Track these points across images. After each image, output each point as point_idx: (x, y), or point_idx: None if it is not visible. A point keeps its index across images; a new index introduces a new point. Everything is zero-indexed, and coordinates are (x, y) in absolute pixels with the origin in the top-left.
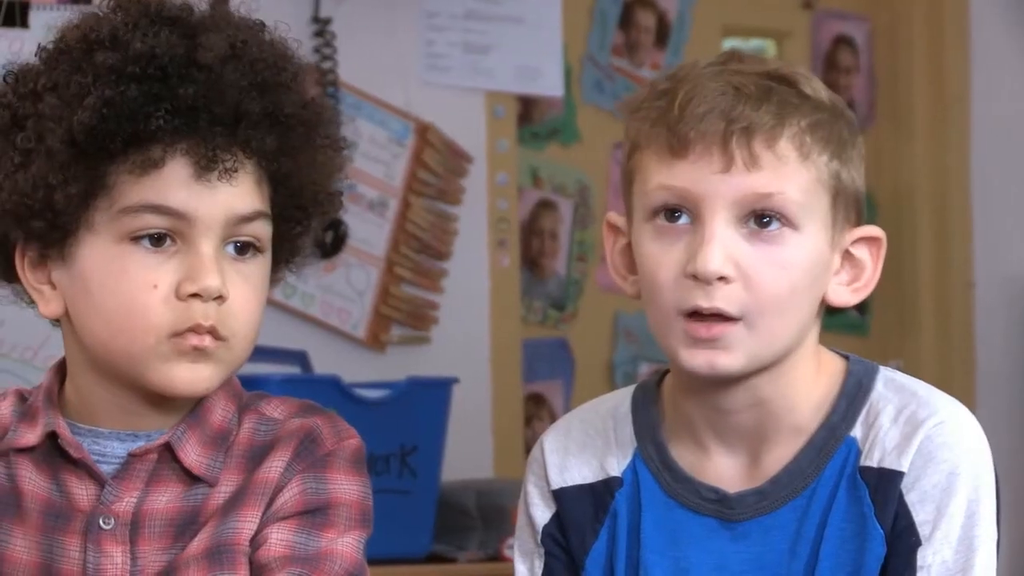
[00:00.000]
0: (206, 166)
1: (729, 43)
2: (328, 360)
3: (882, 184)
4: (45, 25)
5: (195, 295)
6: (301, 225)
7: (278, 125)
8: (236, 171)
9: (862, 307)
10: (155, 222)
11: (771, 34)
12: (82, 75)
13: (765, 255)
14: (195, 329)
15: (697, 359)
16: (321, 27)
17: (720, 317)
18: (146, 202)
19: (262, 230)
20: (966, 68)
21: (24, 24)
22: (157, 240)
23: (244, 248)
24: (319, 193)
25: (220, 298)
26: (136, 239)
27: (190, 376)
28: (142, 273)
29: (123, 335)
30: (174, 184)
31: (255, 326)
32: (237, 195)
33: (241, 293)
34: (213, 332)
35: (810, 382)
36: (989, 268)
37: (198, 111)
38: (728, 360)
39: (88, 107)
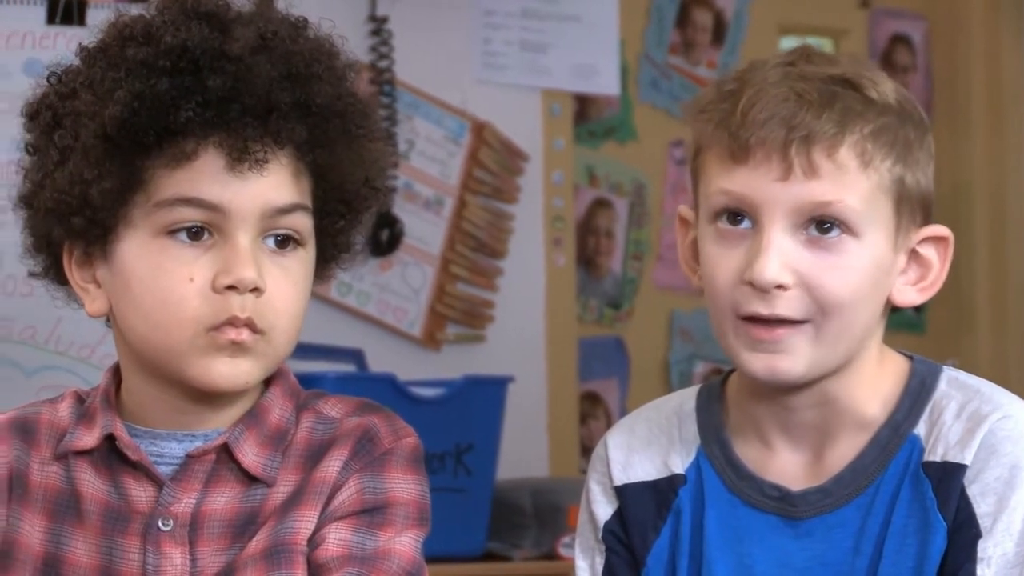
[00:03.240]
0: (238, 157)
1: (786, 42)
2: (384, 358)
3: (939, 183)
4: (103, 23)
5: (231, 287)
6: (345, 219)
7: (310, 116)
8: (267, 162)
9: (919, 306)
10: (190, 215)
11: (828, 33)
12: (115, 70)
13: (825, 262)
14: (232, 322)
15: (757, 363)
16: (378, 26)
17: (783, 320)
18: (180, 195)
19: (301, 223)
20: (1023, 66)
21: (82, 22)
22: (194, 234)
23: (284, 241)
24: (361, 186)
25: (257, 290)
26: (173, 233)
27: (229, 371)
28: (178, 267)
29: (160, 329)
30: (207, 176)
31: (296, 320)
32: (272, 187)
33: (280, 286)
34: (250, 325)
35: (874, 381)
36: None
37: (229, 103)
38: (789, 364)
39: (119, 101)
